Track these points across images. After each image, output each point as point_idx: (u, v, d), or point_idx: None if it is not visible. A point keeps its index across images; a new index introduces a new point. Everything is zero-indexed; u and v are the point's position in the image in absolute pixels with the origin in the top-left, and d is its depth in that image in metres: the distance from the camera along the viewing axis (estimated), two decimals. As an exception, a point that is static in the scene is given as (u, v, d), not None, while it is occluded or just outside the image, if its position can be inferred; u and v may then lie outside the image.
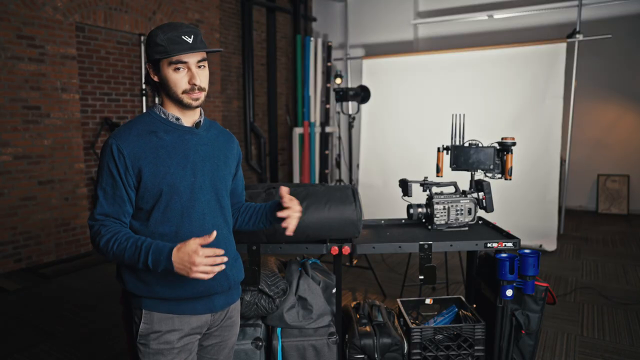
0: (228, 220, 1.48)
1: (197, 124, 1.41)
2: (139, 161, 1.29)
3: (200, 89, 1.34)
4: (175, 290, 1.34)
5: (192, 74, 1.31)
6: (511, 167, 2.27)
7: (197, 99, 1.34)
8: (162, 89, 1.35)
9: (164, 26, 1.32)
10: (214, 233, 1.22)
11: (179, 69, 1.30)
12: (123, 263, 1.30)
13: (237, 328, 1.58)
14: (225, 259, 1.21)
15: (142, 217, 1.35)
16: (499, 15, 6.26)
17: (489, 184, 2.29)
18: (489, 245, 2.08)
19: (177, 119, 1.37)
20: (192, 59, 1.31)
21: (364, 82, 5.81)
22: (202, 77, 1.34)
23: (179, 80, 1.31)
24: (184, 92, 1.32)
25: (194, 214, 1.35)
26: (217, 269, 1.20)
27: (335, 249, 2.02)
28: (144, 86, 5.18)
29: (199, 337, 1.43)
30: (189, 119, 1.40)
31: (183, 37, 1.29)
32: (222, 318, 1.48)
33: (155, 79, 1.35)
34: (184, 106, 1.35)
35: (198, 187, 1.37)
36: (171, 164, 1.33)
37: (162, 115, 1.37)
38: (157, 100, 1.41)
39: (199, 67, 1.33)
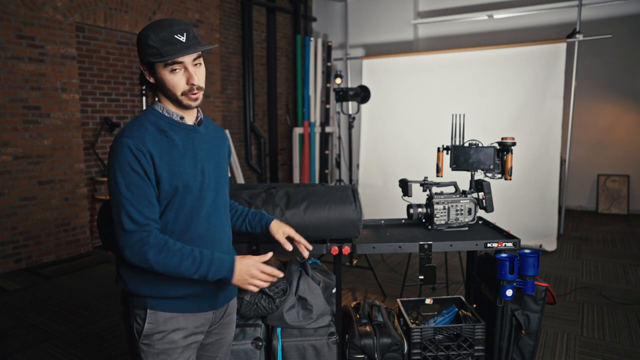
0: (228, 217, 1.51)
1: (199, 122, 1.41)
2: (156, 160, 1.26)
3: (199, 89, 1.31)
4: (182, 288, 1.34)
5: (189, 74, 1.27)
6: (511, 167, 2.27)
7: (196, 99, 1.32)
8: (160, 90, 1.32)
9: (153, 25, 1.25)
10: (270, 254, 1.34)
11: (175, 70, 1.26)
12: (172, 273, 1.26)
13: (234, 325, 1.59)
14: (281, 274, 1.35)
15: None
16: (499, 15, 6.26)
17: (489, 184, 2.29)
18: (489, 245, 2.08)
19: (182, 117, 1.35)
20: (188, 58, 1.27)
21: (364, 82, 5.82)
22: (200, 76, 1.31)
23: (176, 81, 1.27)
24: (183, 93, 1.29)
25: (201, 213, 1.35)
26: (267, 284, 1.33)
27: (335, 249, 2.02)
28: (143, 86, 5.18)
29: (202, 336, 1.43)
30: (190, 117, 1.39)
31: (176, 36, 1.23)
32: (221, 315, 1.49)
33: (152, 80, 1.31)
34: (184, 107, 1.33)
35: (206, 187, 1.36)
36: (184, 164, 1.31)
37: (166, 114, 1.33)
38: (156, 98, 1.39)
39: (195, 65, 1.29)
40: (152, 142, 1.26)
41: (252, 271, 1.28)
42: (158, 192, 1.29)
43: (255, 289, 1.31)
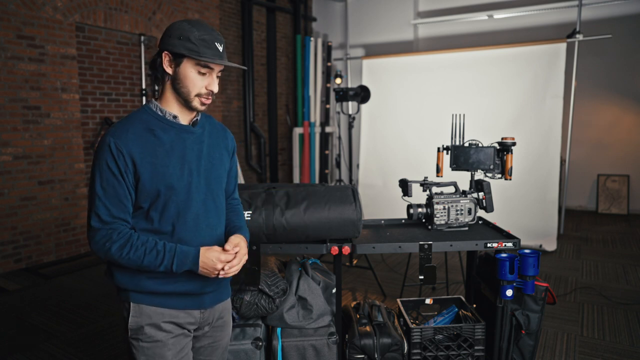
0: (222, 219, 1.47)
1: (194, 123, 1.40)
2: (137, 160, 1.27)
3: (212, 95, 1.36)
4: (164, 285, 1.34)
5: (211, 81, 1.34)
6: (511, 167, 2.27)
7: (205, 105, 1.36)
8: (173, 84, 1.34)
9: (196, 24, 1.31)
10: (236, 249, 1.35)
11: (203, 72, 1.32)
12: (138, 267, 1.29)
13: (230, 328, 1.57)
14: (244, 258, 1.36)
15: (141, 215, 1.33)
16: (499, 15, 6.26)
17: (489, 184, 2.29)
18: (489, 245, 2.08)
19: (175, 117, 1.36)
20: (218, 67, 1.34)
21: (364, 82, 5.82)
22: (217, 86, 1.37)
23: (198, 82, 1.32)
24: (198, 95, 1.33)
25: (188, 213, 1.35)
26: (235, 272, 1.34)
27: (335, 249, 2.02)
28: (144, 86, 5.18)
29: (190, 334, 1.42)
30: (185, 117, 1.39)
31: (216, 43, 1.31)
32: (213, 318, 1.47)
33: (170, 71, 1.32)
34: (190, 107, 1.35)
35: (194, 187, 1.36)
36: (169, 164, 1.31)
37: (159, 113, 1.35)
38: (156, 90, 1.40)
39: (218, 75, 1.37)
40: (135, 142, 1.28)
41: (217, 265, 1.30)
42: (136, 191, 1.30)
43: (225, 275, 1.32)
